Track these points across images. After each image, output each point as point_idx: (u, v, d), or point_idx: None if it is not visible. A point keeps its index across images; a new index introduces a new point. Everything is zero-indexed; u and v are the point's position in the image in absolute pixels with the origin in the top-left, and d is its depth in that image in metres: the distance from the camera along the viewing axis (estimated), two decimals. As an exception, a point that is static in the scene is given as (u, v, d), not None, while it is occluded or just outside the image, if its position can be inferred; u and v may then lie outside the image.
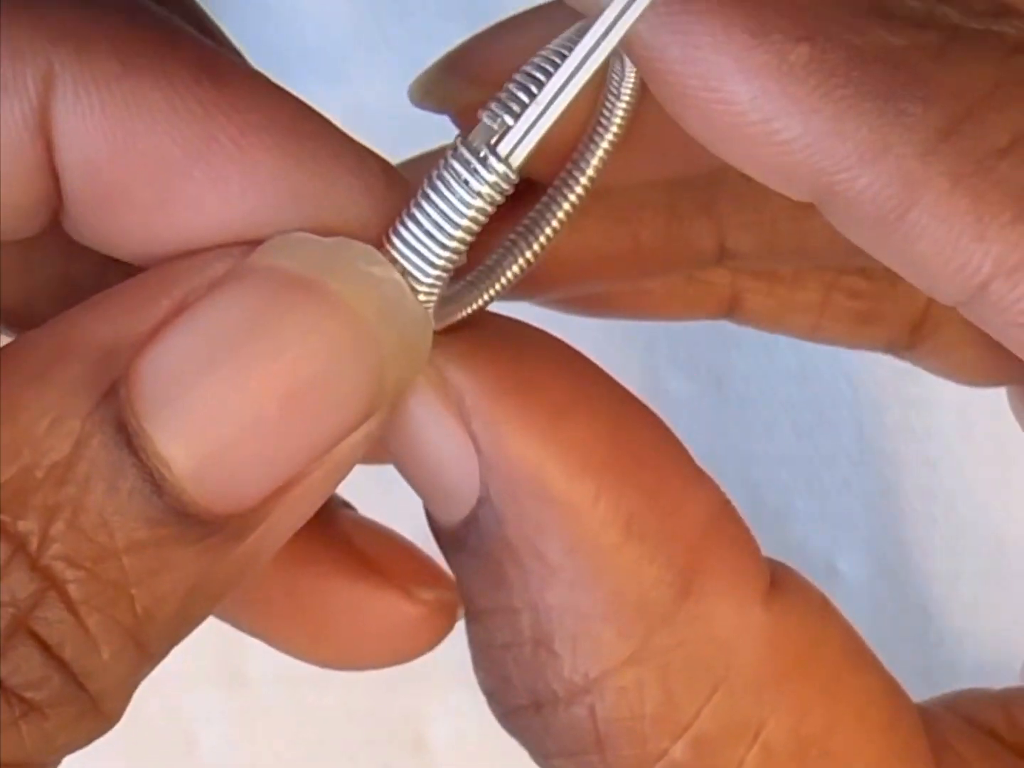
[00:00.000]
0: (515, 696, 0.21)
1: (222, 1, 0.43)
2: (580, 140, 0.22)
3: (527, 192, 0.23)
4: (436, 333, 0.20)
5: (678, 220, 0.26)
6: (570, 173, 0.22)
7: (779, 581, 0.21)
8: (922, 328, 0.29)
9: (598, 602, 0.20)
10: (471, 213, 0.19)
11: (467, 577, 0.21)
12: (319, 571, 0.25)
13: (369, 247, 0.20)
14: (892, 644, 0.44)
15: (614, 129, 0.22)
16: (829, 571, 0.44)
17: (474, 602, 0.21)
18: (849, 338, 0.30)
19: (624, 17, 0.18)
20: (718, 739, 0.20)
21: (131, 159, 0.19)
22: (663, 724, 0.20)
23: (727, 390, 0.44)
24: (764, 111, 0.18)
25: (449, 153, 0.19)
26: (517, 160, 0.19)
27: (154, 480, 0.18)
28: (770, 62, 0.18)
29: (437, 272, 0.20)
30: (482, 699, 0.46)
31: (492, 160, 0.19)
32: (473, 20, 0.44)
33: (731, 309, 0.29)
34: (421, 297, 0.20)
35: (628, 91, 0.21)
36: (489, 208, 0.19)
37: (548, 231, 0.22)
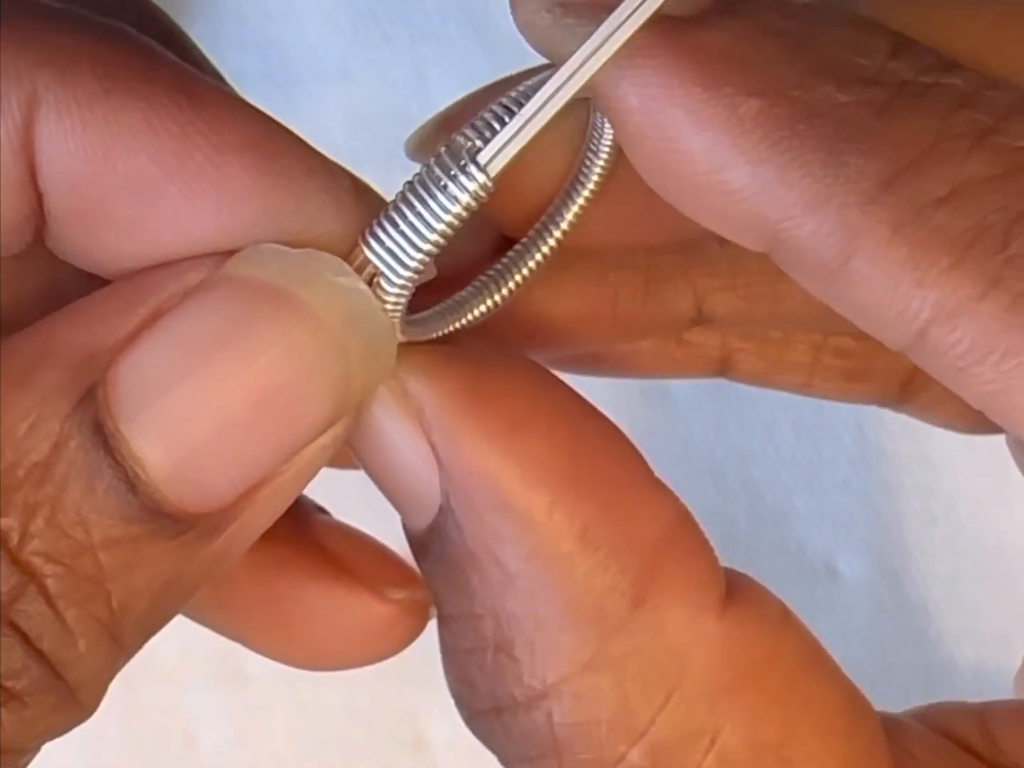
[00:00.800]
0: (479, 700, 0.22)
1: (223, 1, 0.43)
2: (557, 195, 0.23)
3: (504, 245, 0.24)
4: (400, 345, 0.21)
5: (655, 283, 0.26)
6: (545, 225, 0.23)
7: (736, 592, 0.21)
8: (912, 384, 0.30)
9: (555, 609, 0.21)
10: (448, 218, 0.20)
11: (435, 583, 0.22)
12: (293, 574, 0.26)
13: (337, 258, 0.20)
14: (892, 644, 0.44)
15: (591, 186, 0.23)
16: (829, 571, 0.44)
17: (442, 607, 0.22)
18: (840, 395, 0.30)
19: (602, 49, 0.19)
20: (674, 745, 0.21)
21: (110, 177, 0.20)
22: (619, 730, 0.21)
23: (727, 390, 0.44)
24: (714, 161, 0.19)
25: (431, 160, 0.20)
26: (495, 170, 0.20)
27: (129, 480, 0.19)
28: (721, 114, 0.19)
29: (408, 274, 0.20)
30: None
31: (472, 168, 0.20)
32: (472, 20, 0.44)
33: (722, 369, 0.30)
34: (391, 299, 0.21)
35: (606, 149, 0.22)
36: (464, 214, 0.20)
37: (518, 277, 0.23)
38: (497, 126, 0.20)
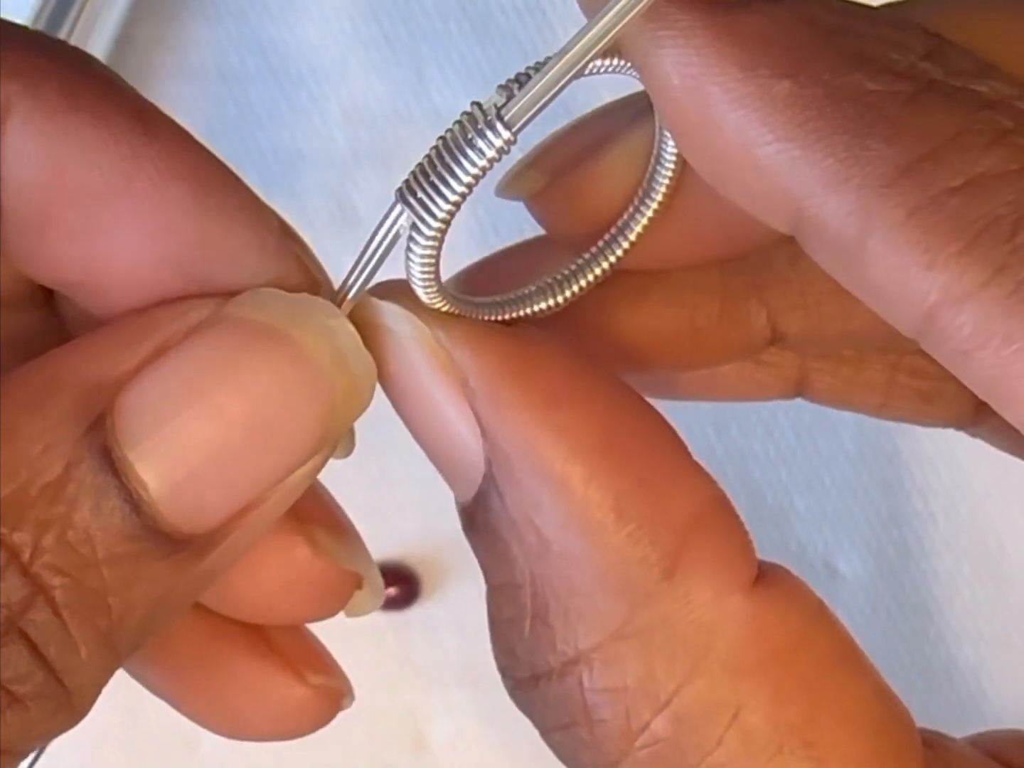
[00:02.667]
0: (520, 669, 0.23)
1: (223, 1, 0.43)
2: (625, 208, 0.25)
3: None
4: (446, 316, 0.23)
5: (731, 303, 0.27)
6: (613, 237, 0.24)
7: (770, 578, 0.22)
8: (986, 406, 0.30)
9: (587, 577, 0.22)
10: (474, 171, 0.21)
11: (482, 554, 0.23)
12: (225, 645, 0.27)
13: (329, 303, 0.22)
14: (892, 643, 0.44)
15: (658, 198, 0.24)
16: (829, 571, 0.44)
17: (489, 580, 0.23)
18: (915, 416, 0.31)
19: (629, 9, 0.20)
20: (697, 716, 0.21)
21: (63, 186, 0.22)
22: (644, 698, 0.22)
23: (727, 390, 0.44)
24: (746, 137, 0.20)
25: (461, 116, 0.21)
26: (516, 124, 0.21)
27: (133, 501, 0.21)
28: (755, 93, 0.20)
29: (438, 224, 0.21)
30: (482, 698, 0.46)
31: (498, 124, 0.21)
32: (473, 20, 0.44)
33: (800, 389, 0.30)
34: (423, 250, 0.22)
35: (671, 163, 0.24)
36: (489, 167, 0.21)
37: (583, 282, 0.24)
38: (521, 83, 0.21)
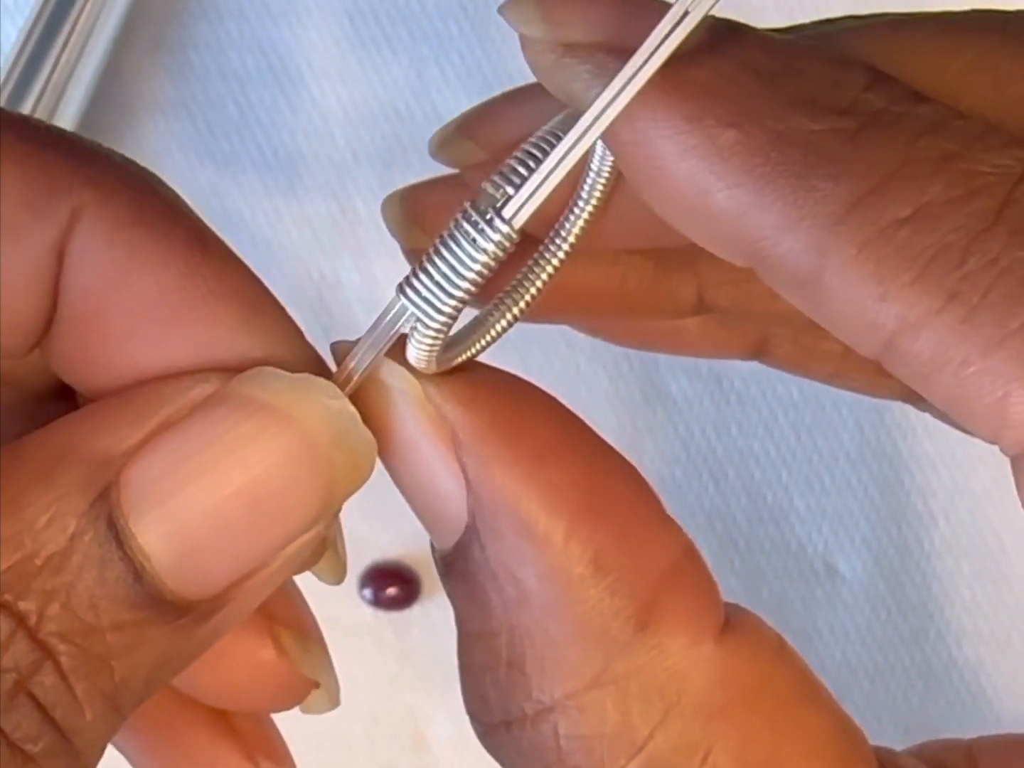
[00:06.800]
0: (491, 715, 0.23)
1: (224, 1, 0.43)
2: (567, 207, 0.25)
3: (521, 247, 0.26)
4: (436, 375, 0.23)
5: (662, 270, 0.29)
6: (552, 240, 0.25)
7: (735, 623, 0.23)
8: None
9: (565, 628, 0.22)
10: (476, 267, 0.22)
11: (459, 602, 0.24)
12: (189, 718, 0.28)
13: (330, 383, 0.23)
14: (892, 643, 0.44)
15: (594, 202, 0.25)
16: (829, 571, 0.44)
17: (463, 626, 0.24)
18: (867, 387, 0.32)
19: (614, 104, 0.21)
20: (669, 760, 0.22)
21: (119, 293, 0.23)
22: (620, 743, 0.22)
23: (727, 389, 0.44)
24: (698, 185, 0.21)
25: (458, 215, 0.22)
26: (519, 222, 0.21)
27: (136, 571, 0.21)
28: (702, 144, 0.21)
29: (443, 318, 0.22)
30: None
31: (497, 222, 0.21)
32: (473, 20, 0.44)
33: (759, 352, 0.31)
34: (428, 340, 0.22)
35: (608, 167, 0.24)
36: (492, 263, 0.22)
37: (533, 291, 0.25)
38: (515, 179, 0.21)
